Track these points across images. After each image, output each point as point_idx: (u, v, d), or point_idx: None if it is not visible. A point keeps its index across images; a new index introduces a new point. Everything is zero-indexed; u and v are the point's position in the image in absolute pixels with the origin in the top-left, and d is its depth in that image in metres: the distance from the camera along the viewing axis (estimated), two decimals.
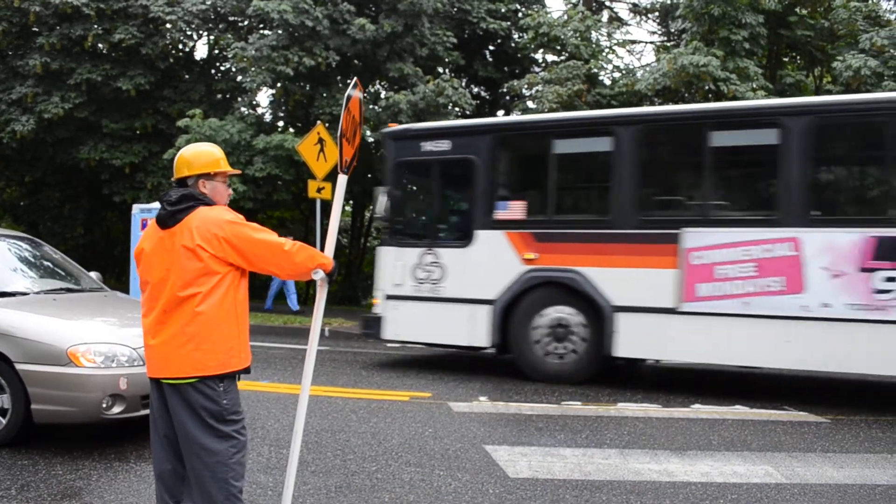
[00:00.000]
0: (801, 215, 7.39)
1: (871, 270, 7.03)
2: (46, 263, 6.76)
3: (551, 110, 16.06)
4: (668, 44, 21.18)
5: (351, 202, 22.36)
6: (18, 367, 4.92)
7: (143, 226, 11.80)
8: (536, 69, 19.79)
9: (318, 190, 12.47)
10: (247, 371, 3.41)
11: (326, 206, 13.10)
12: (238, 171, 3.59)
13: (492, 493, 4.58)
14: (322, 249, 3.71)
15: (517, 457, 5.38)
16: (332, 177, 13.08)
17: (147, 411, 5.02)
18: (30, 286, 6.12)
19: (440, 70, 18.35)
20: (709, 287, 7.64)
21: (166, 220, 3.30)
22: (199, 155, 3.43)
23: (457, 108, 16.67)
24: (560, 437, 5.97)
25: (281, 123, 18.63)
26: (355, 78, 4.19)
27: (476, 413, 6.77)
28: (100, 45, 16.30)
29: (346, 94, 3.94)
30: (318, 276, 3.51)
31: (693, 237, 7.73)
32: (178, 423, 3.30)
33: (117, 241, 22.80)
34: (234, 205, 14.28)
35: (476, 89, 21.07)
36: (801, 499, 4.60)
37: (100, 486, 4.45)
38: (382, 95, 18.15)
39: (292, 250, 3.35)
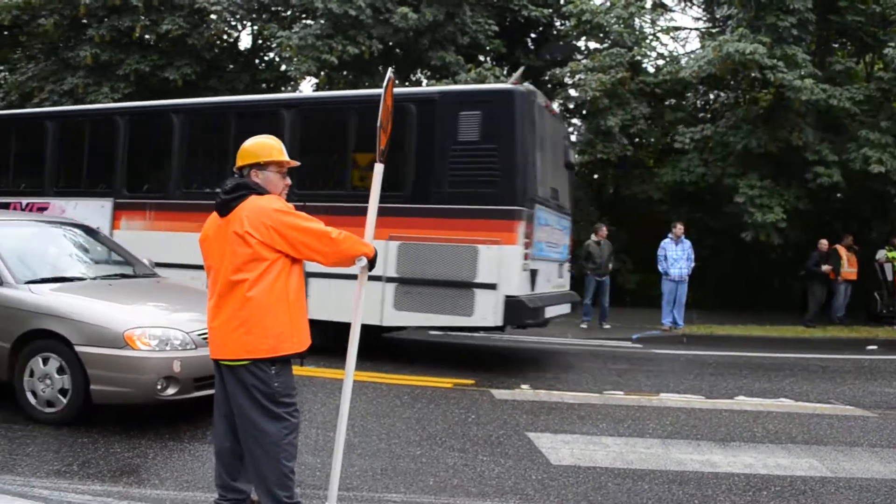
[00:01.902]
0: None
1: None
2: (101, 250, 6.99)
3: (595, 98, 15.96)
4: (713, 30, 20.82)
5: None
6: (78, 349, 5.11)
7: None
8: (579, 57, 19.63)
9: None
10: (301, 355, 3.52)
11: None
12: (295, 163, 3.69)
13: (535, 479, 4.64)
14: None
15: (559, 444, 5.43)
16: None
17: (199, 393, 5.25)
18: (87, 272, 6.34)
19: (481, 58, 18.30)
20: None
21: (222, 208, 3.43)
22: (254, 146, 3.55)
23: None
24: (602, 426, 6.00)
25: None
26: (390, 69, 4.24)
27: (518, 400, 6.83)
28: (147, 37, 16.57)
29: (383, 85, 3.98)
30: (362, 263, 3.59)
31: None
32: (234, 402, 3.43)
33: None
34: None
35: None
36: (846, 493, 4.57)
37: (156, 463, 4.62)
38: (424, 84, 18.19)
39: (338, 238, 3.45)
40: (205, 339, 5.26)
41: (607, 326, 13.00)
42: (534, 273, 8.09)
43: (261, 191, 3.46)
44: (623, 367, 9.15)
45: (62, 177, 10.44)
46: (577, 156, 19.47)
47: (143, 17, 16.26)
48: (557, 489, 4.50)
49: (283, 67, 16.96)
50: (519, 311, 7.76)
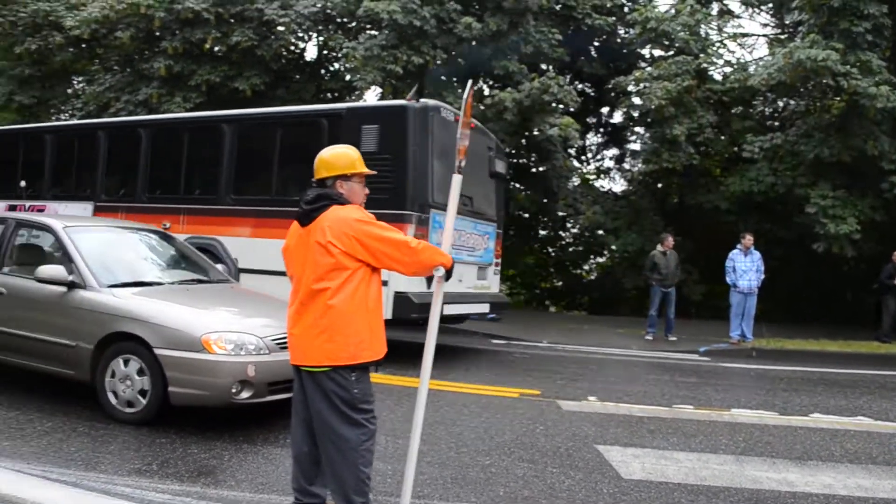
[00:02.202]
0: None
1: None
2: (177, 255, 7.19)
3: (660, 107, 15.75)
4: (782, 36, 20.33)
5: None
6: (157, 351, 5.26)
7: None
8: (643, 65, 19.41)
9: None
10: (379, 363, 3.56)
11: None
12: (373, 172, 3.75)
13: (606, 493, 4.58)
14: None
15: (629, 458, 5.34)
16: None
17: (272, 398, 5.34)
18: (164, 276, 6.53)
19: (543, 66, 18.25)
20: None
21: (303, 219, 3.50)
22: (337, 157, 3.60)
23: (561, 106, 16.54)
24: (673, 441, 5.89)
25: None
26: (470, 81, 4.26)
27: (586, 412, 6.76)
28: (217, 48, 17.02)
29: (463, 98, 4.01)
30: (440, 272, 3.61)
31: None
32: (313, 408, 3.49)
33: None
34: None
35: (580, 86, 20.84)
36: None
37: (231, 465, 4.71)
38: (486, 93, 18.23)
39: (417, 248, 3.48)
40: (278, 344, 5.40)
41: (673, 338, 12.77)
42: None
43: (343, 201, 3.52)
44: (691, 380, 8.96)
45: (56, 183, 11.77)
46: (641, 164, 19.33)
47: (213, 30, 16.69)
48: None
49: (349, 77, 17.19)
50: (407, 306, 8.30)
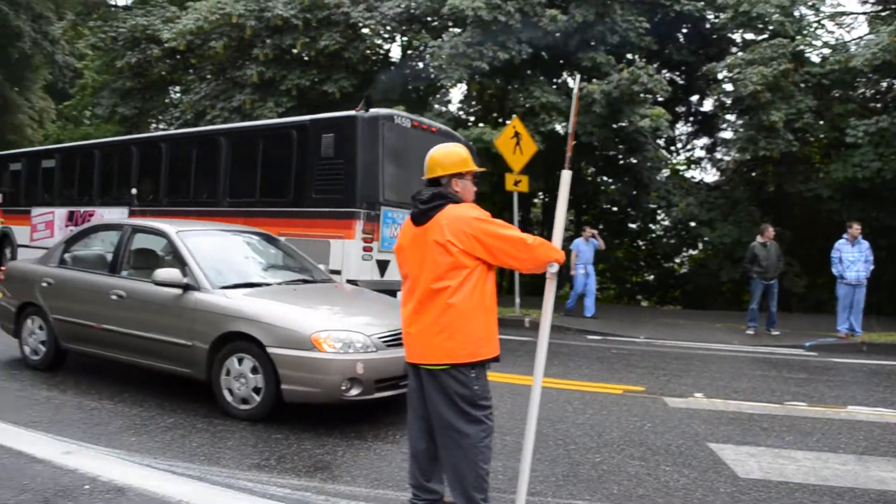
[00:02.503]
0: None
1: None
2: (281, 256, 7.39)
3: (756, 92, 15.19)
4: (884, 13, 19.27)
5: (540, 194, 22.42)
6: (269, 350, 5.42)
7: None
8: (735, 50, 18.76)
9: (515, 183, 12.61)
10: (496, 360, 3.56)
11: (523, 199, 13.24)
12: (483, 169, 3.75)
13: (723, 493, 4.46)
14: None
15: (745, 456, 5.18)
16: (527, 170, 13.32)
17: (380, 395, 5.42)
18: (271, 277, 6.72)
19: (629, 56, 17.90)
20: None
21: (419, 218, 3.52)
22: (450, 155, 3.62)
23: (650, 96, 16.17)
24: (788, 439, 5.68)
25: (471, 118, 19.03)
26: (578, 76, 4.21)
27: (693, 409, 6.59)
28: (303, 54, 17.42)
29: (573, 93, 3.98)
30: (554, 269, 3.59)
31: None
32: (432, 406, 3.51)
33: None
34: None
35: (668, 74, 20.32)
36: None
37: (345, 461, 4.81)
38: (571, 85, 18.01)
39: (534, 244, 3.46)
40: (384, 342, 5.48)
41: (776, 333, 12.29)
42: (384, 263, 9.40)
43: (457, 199, 3.53)
44: (801, 376, 8.61)
45: (102, 191, 13.52)
46: (735, 154, 18.69)
47: (302, 35, 17.09)
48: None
49: (435, 76, 17.29)
50: None
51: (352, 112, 9.73)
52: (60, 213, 14.12)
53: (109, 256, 6.93)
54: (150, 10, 20.80)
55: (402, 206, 9.44)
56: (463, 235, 3.37)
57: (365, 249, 9.30)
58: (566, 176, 3.87)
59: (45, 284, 7.09)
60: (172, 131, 15.26)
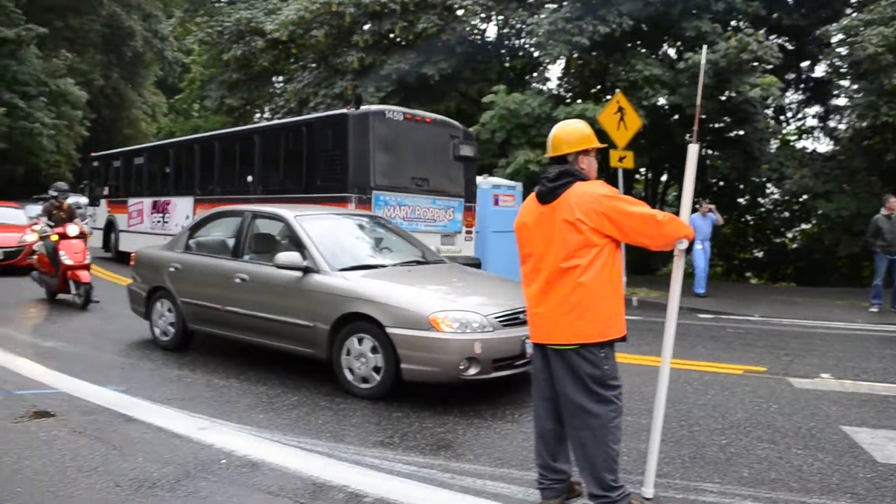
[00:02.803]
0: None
1: None
2: (394, 238, 7.51)
3: (875, 55, 14.28)
4: None
5: (642, 170, 21.90)
6: (389, 330, 5.52)
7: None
8: (849, 11, 17.67)
9: (620, 159, 12.34)
10: (623, 339, 3.51)
11: (627, 175, 12.96)
12: (604, 146, 3.68)
13: (862, 478, 4.25)
14: None
15: (883, 440, 4.93)
16: (631, 146, 13.01)
17: (496, 374, 5.44)
18: (385, 259, 6.84)
19: (734, 23, 17.14)
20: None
21: (546, 196, 3.49)
22: (575, 132, 3.57)
23: (759, 64, 15.45)
24: None
25: (570, 94, 18.73)
26: (705, 47, 4.07)
27: (821, 391, 6.31)
28: (399, 39, 17.59)
29: (701, 63, 3.85)
30: (683, 245, 3.51)
31: None
32: (560, 386, 3.49)
33: None
34: (538, 176, 14.64)
35: (777, 40, 19.36)
36: None
37: (466, 440, 4.86)
38: (672, 54, 17.44)
39: (664, 221, 3.38)
40: (501, 322, 5.49)
41: None
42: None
43: (584, 176, 3.48)
44: None
45: (175, 183, 15.72)
46: (855, 120, 17.67)
47: (399, 20, 17.22)
48: (893, 490, 4.08)
49: (536, 54, 17.09)
50: None
51: (344, 110, 11.22)
52: (147, 202, 16.48)
53: (231, 242, 7.23)
54: (253, 3, 21.46)
55: (393, 189, 11.00)
56: (593, 213, 3.32)
57: None
58: (693, 150, 3.77)
59: (172, 269, 7.46)
60: (222, 131, 16.55)
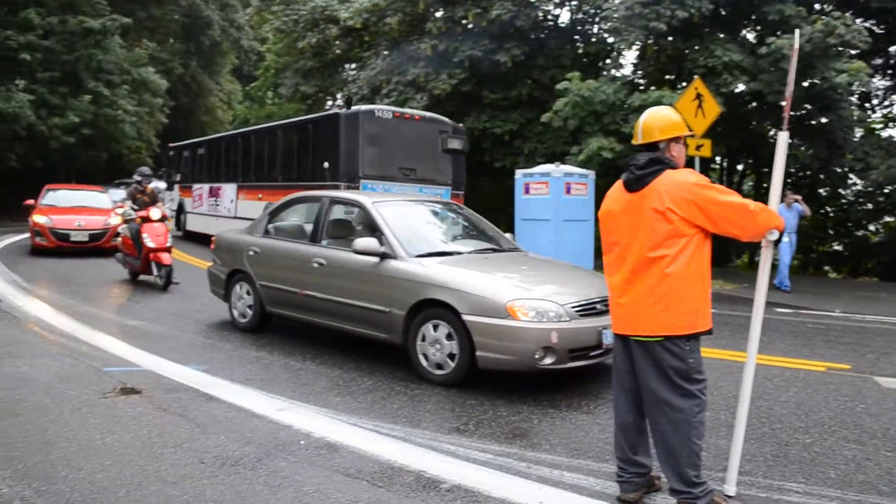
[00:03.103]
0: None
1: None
2: (468, 225, 7.52)
3: None
4: None
5: (718, 159, 21.33)
6: (465, 317, 5.53)
7: (526, 190, 12.41)
8: None
9: (698, 147, 12.03)
10: (709, 332, 3.43)
11: (703, 164, 12.65)
12: (696, 133, 3.59)
13: None
14: None
15: None
16: (708, 134, 12.68)
17: (572, 364, 5.39)
18: (461, 246, 6.85)
19: (818, 6, 16.46)
20: None
21: (634, 184, 3.42)
22: (666, 118, 3.49)
23: (846, 49, 14.80)
24: None
25: (644, 81, 18.36)
26: (798, 31, 3.91)
27: None
28: (471, 25, 17.51)
29: (794, 46, 3.70)
30: (774, 236, 3.40)
31: None
32: (643, 378, 3.43)
33: (492, 207, 24.44)
34: (611, 164, 14.45)
35: (865, 24, 18.49)
36: None
37: (542, 429, 4.84)
38: (751, 39, 16.87)
39: (756, 210, 3.28)
40: (577, 311, 5.44)
41: None
42: None
43: (674, 165, 3.40)
44: None
45: (224, 172, 17.93)
46: None
47: (473, 6, 17.15)
48: None
49: (611, 39, 16.79)
50: None
51: (336, 111, 13.25)
52: (206, 188, 18.82)
53: (309, 227, 7.35)
54: None
55: (379, 178, 12.76)
56: (683, 202, 3.25)
57: None
58: (783, 138, 3.64)
59: (251, 253, 7.65)
60: (256, 127, 19.78)
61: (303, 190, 13.21)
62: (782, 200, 13.15)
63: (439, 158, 13.67)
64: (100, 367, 6.06)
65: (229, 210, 17.08)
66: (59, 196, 16.29)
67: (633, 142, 3.59)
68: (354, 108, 12.99)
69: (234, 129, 24.12)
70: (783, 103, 3.88)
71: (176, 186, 21.36)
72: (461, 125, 14.80)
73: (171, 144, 22.70)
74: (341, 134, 12.66)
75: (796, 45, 3.70)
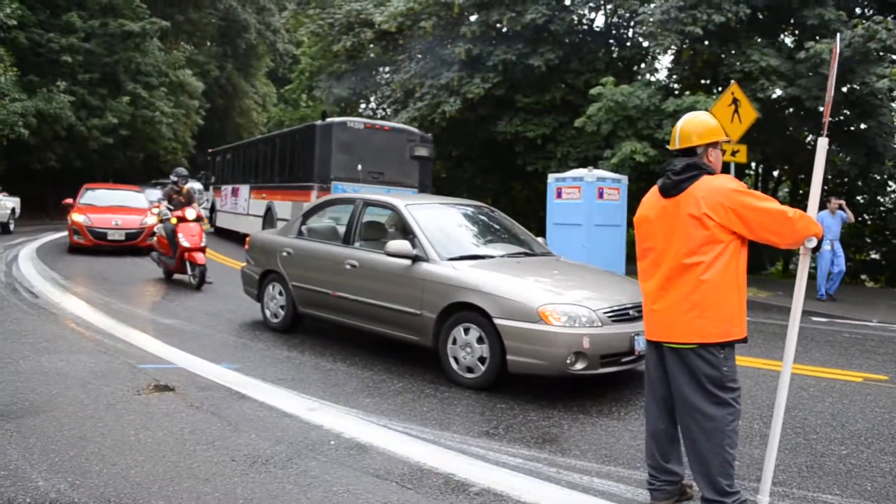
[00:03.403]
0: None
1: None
2: (500, 229, 7.50)
3: None
4: None
5: (753, 164, 21.06)
6: (496, 321, 5.53)
7: (559, 194, 12.36)
8: None
9: (733, 153, 11.89)
10: (744, 341, 3.39)
11: (738, 170, 12.50)
12: (731, 139, 3.56)
13: None
14: None
15: None
16: (744, 139, 12.53)
17: (604, 370, 5.36)
18: (493, 250, 6.84)
19: (857, 11, 16.16)
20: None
21: (670, 189, 3.39)
22: (704, 123, 3.46)
23: (887, 54, 14.52)
24: None
25: (678, 86, 18.20)
26: (839, 35, 3.85)
27: None
28: (505, 29, 17.48)
29: (835, 51, 3.64)
30: (812, 244, 3.35)
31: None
32: (675, 386, 3.40)
33: (523, 211, 24.44)
34: (644, 169, 14.34)
35: None
36: None
37: (572, 434, 4.82)
38: (789, 44, 16.63)
39: (795, 217, 3.23)
40: (609, 317, 5.41)
41: None
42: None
43: (711, 170, 3.37)
44: None
45: (242, 174, 20.38)
46: None
47: (508, 10, 17.14)
48: None
49: (646, 44, 16.67)
50: None
51: (314, 122, 15.45)
52: (230, 188, 21.35)
53: (342, 229, 7.41)
54: None
55: (350, 180, 14.40)
56: (721, 208, 3.21)
57: None
58: (822, 144, 3.58)
59: (284, 254, 7.72)
60: (265, 135, 22.27)
61: (290, 190, 15.78)
62: (826, 207, 13.02)
63: (407, 164, 15.52)
64: (134, 364, 6.16)
65: (244, 208, 19.40)
66: (97, 195, 16.61)
67: (671, 147, 3.56)
68: (329, 119, 15.18)
69: (264, 134, 27.22)
70: (822, 109, 3.82)
71: (210, 188, 24.65)
72: (429, 135, 16.53)
73: (210, 150, 25.88)
74: (316, 142, 14.80)
75: (836, 50, 3.64)
